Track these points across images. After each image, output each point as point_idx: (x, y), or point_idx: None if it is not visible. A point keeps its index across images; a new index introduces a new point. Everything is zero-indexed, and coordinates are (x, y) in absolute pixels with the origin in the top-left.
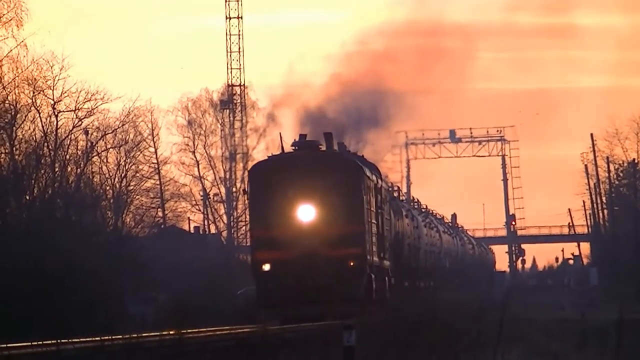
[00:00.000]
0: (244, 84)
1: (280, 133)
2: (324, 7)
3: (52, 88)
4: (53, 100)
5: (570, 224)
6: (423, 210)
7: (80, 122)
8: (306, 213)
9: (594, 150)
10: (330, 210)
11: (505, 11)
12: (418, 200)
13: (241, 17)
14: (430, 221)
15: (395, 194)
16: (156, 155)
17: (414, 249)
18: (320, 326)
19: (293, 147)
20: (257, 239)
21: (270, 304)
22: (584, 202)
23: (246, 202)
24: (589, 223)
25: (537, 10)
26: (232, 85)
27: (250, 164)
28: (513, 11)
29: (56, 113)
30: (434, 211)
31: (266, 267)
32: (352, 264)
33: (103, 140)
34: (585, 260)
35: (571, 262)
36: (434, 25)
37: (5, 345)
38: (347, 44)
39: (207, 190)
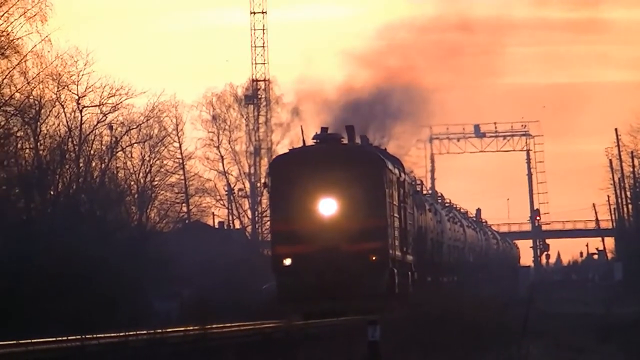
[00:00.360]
0: (268, 79)
1: (301, 126)
2: (348, 1)
3: (76, 83)
4: (77, 95)
5: (596, 219)
6: (447, 204)
7: (104, 117)
8: (327, 207)
9: (618, 145)
10: (351, 204)
11: (531, 6)
12: (441, 194)
13: (265, 12)
14: (454, 216)
15: (418, 188)
16: (180, 151)
17: (437, 243)
18: (344, 321)
19: (314, 141)
20: (277, 233)
21: (291, 299)
22: (608, 197)
23: (267, 196)
24: (613, 218)
25: (563, 4)
26: (257, 80)
27: None
28: (539, 6)
29: (80, 108)
30: (457, 205)
31: (287, 261)
32: (373, 258)
33: (127, 135)
34: (609, 255)
35: (595, 257)
36: (460, 19)
37: (30, 341)
38: (371, 39)
39: (232, 186)
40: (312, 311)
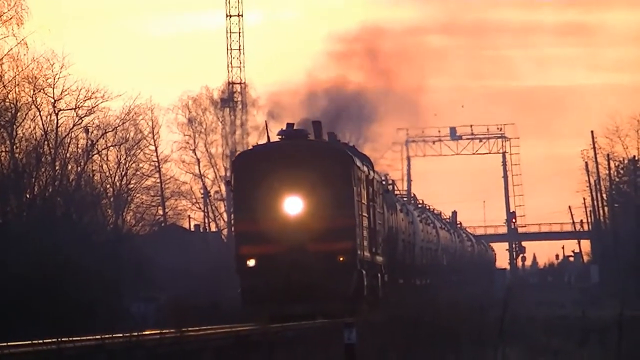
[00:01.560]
0: (244, 82)
1: (265, 121)
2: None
3: (52, 86)
4: (53, 98)
5: (572, 221)
6: (420, 205)
7: (80, 121)
8: (293, 205)
9: (594, 148)
10: (318, 203)
11: (511, 9)
12: (414, 195)
13: (241, 15)
14: (427, 217)
15: (390, 187)
16: (157, 154)
17: (409, 244)
18: (320, 324)
19: (279, 137)
20: (241, 233)
21: (255, 302)
22: (584, 199)
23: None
24: (589, 220)
25: (545, 8)
26: (233, 83)
27: None
28: (522, 9)
29: (56, 111)
30: (431, 207)
31: (251, 262)
32: (341, 259)
33: (103, 138)
34: (585, 258)
35: (572, 259)
36: (440, 23)
37: (6, 344)
38: (348, 41)
39: (208, 189)
40: (278, 314)
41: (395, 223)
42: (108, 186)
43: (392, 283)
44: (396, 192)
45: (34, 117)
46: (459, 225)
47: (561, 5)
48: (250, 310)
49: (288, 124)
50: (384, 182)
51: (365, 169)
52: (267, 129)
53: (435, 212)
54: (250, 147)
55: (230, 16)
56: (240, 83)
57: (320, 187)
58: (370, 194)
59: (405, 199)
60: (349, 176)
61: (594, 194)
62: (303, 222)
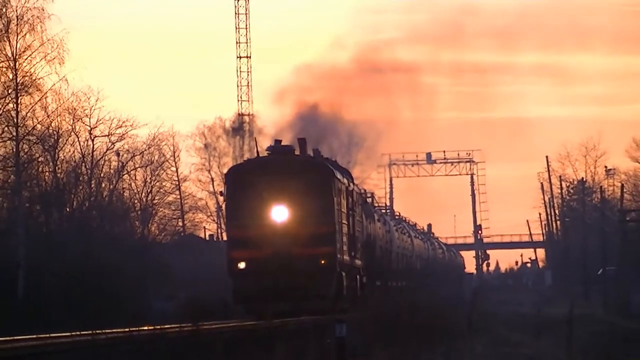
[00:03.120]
0: (252, 114)
1: (255, 138)
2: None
3: (89, 116)
4: (90, 127)
5: (529, 233)
6: (396, 217)
7: (112, 145)
8: (279, 214)
9: (548, 170)
10: (302, 211)
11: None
12: (392, 208)
13: (249, 57)
14: (403, 227)
15: (369, 200)
16: (177, 174)
17: (386, 251)
18: (315, 319)
19: (268, 152)
20: (233, 239)
21: (245, 300)
22: (540, 214)
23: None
24: (544, 232)
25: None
26: (242, 115)
27: None
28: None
29: (92, 138)
30: (406, 218)
31: (241, 265)
32: (323, 262)
33: (132, 160)
34: (540, 264)
35: (529, 265)
36: (422, 64)
37: (48, 335)
38: (320, 77)
39: (220, 204)
40: (266, 311)
41: (373, 231)
42: (136, 201)
43: (370, 284)
44: (376, 205)
45: (73, 142)
46: (432, 235)
47: (534, 48)
48: (241, 308)
49: (276, 141)
50: (363, 195)
51: (346, 181)
52: (256, 145)
53: (410, 223)
54: (241, 162)
55: (240, 57)
56: (248, 115)
57: (304, 197)
58: (350, 203)
59: (383, 211)
60: (330, 187)
61: (548, 209)
62: (288, 229)
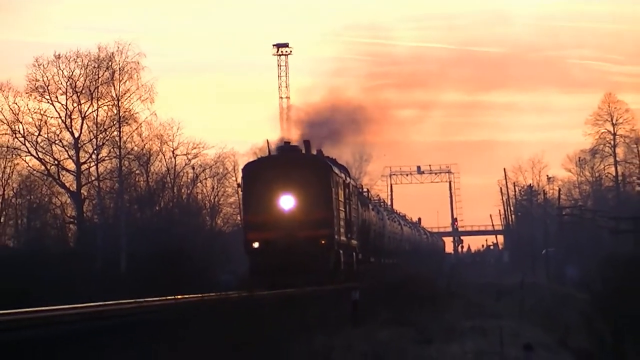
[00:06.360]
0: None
1: (267, 140)
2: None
3: (172, 140)
4: (172, 148)
5: (492, 224)
6: (388, 208)
7: (189, 162)
8: (287, 202)
9: (505, 179)
10: (305, 200)
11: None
12: (384, 200)
13: (289, 97)
14: (394, 217)
15: (365, 194)
16: (236, 182)
17: (379, 234)
18: (334, 288)
19: (278, 151)
20: (248, 223)
21: (259, 273)
22: (500, 210)
23: (240, 194)
24: (502, 223)
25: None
26: (284, 140)
27: None
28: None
29: (175, 156)
30: (397, 210)
31: (256, 244)
32: (323, 242)
33: (203, 172)
34: (500, 246)
35: (492, 247)
36: (411, 102)
37: (143, 300)
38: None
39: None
40: (276, 282)
41: (367, 217)
42: (206, 202)
43: (366, 261)
44: (372, 198)
45: (160, 159)
46: (420, 225)
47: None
48: (256, 280)
49: (285, 142)
50: (359, 188)
51: (343, 175)
52: (268, 145)
53: (401, 214)
54: (256, 159)
55: (281, 98)
56: (289, 141)
57: (307, 188)
58: (347, 194)
59: (377, 201)
60: (329, 180)
61: (505, 207)
62: (294, 215)
